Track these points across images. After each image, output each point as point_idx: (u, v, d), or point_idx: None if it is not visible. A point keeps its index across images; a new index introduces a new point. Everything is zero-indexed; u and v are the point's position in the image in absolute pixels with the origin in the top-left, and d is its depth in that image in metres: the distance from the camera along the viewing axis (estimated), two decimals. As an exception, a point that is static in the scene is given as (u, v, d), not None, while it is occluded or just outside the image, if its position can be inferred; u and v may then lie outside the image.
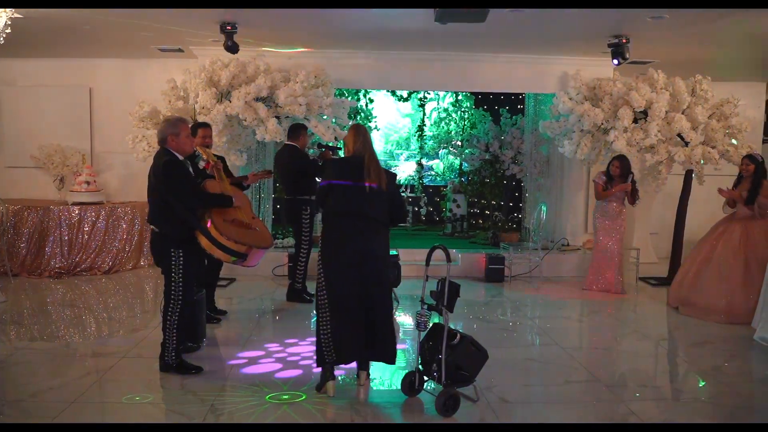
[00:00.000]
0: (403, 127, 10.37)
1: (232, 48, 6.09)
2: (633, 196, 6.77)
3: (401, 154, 10.45)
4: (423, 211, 10.12)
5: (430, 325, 3.88)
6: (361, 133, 3.99)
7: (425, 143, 10.26)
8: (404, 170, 10.41)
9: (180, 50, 7.38)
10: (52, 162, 7.70)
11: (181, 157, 4.22)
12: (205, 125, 5.46)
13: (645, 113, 7.06)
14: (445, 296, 3.69)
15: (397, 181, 4.12)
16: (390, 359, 3.95)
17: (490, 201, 9.62)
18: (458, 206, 9.43)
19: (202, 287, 5.33)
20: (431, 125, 10.28)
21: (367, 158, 3.88)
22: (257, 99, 6.52)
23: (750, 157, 6.09)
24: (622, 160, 6.74)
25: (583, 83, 7.33)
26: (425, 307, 3.81)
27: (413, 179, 10.29)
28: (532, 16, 5.67)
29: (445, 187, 10.13)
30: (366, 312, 3.86)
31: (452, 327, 3.79)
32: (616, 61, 6.56)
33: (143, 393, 3.99)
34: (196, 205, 4.17)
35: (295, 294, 6.24)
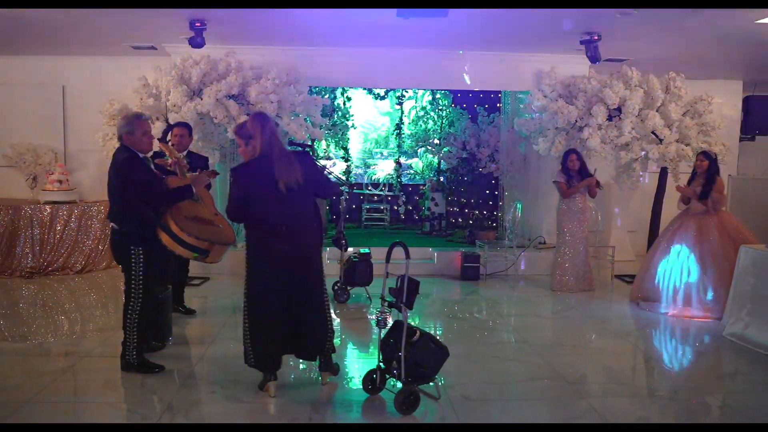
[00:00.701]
0: (382, 125, 10.33)
1: (199, 44, 6.05)
2: (596, 187, 6.75)
3: (380, 152, 10.40)
4: (401, 209, 10.10)
5: (391, 322, 3.85)
6: (268, 126, 3.63)
7: (403, 142, 10.23)
8: (383, 168, 10.38)
9: (153, 48, 7.32)
10: (24, 161, 7.62)
11: (141, 154, 4.18)
12: (180, 125, 5.45)
13: (619, 110, 7.06)
14: (404, 293, 3.67)
15: (314, 157, 3.88)
16: (311, 356, 3.93)
17: (468, 199, 9.61)
18: (436, 205, 9.43)
19: (169, 285, 5.30)
20: (410, 123, 10.25)
21: (275, 156, 3.59)
22: (228, 96, 6.47)
23: (704, 154, 6.16)
24: (578, 153, 6.74)
25: (558, 80, 7.32)
26: (386, 304, 3.78)
27: (392, 178, 10.26)
28: (502, 14, 5.66)
29: (424, 185, 10.11)
30: (295, 315, 3.76)
31: (412, 324, 3.76)
32: (596, 62, 6.56)
33: (103, 392, 3.95)
34: (156, 201, 4.11)
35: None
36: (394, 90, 9.97)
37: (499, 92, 9.10)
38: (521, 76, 7.72)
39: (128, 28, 6.42)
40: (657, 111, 7.06)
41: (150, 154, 4.62)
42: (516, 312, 6.29)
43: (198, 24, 5.85)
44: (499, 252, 7.72)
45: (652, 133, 7.05)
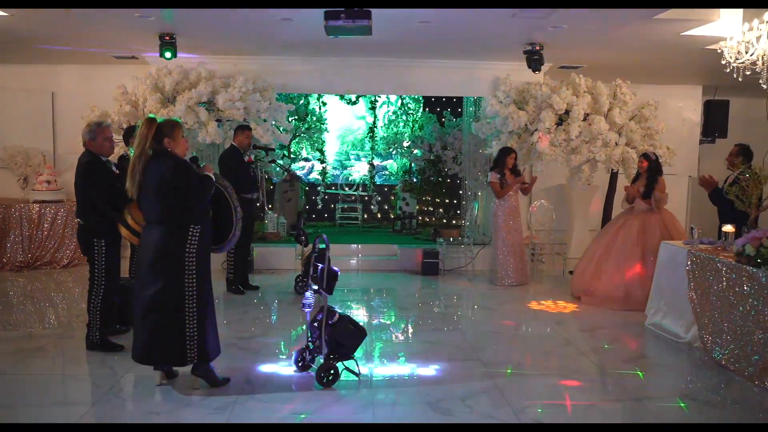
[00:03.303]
0: (358, 129, 10.85)
1: (169, 57, 6.57)
2: (528, 186, 7.27)
3: (356, 154, 10.94)
4: (375, 209, 10.62)
5: (317, 306, 4.35)
6: (141, 126, 3.87)
7: (377, 144, 10.75)
8: (359, 170, 10.91)
9: (134, 57, 7.86)
10: (15, 162, 8.19)
11: (104, 158, 4.73)
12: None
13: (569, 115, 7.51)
14: (324, 281, 4.16)
15: (178, 171, 3.84)
16: (173, 361, 3.98)
17: (434, 199, 10.13)
18: (407, 204, 9.93)
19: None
20: (383, 127, 10.77)
21: (135, 155, 3.85)
22: (199, 104, 7.00)
23: (645, 156, 6.58)
24: (516, 151, 7.22)
25: (513, 87, 7.78)
26: (311, 290, 4.27)
27: (366, 179, 10.79)
28: (446, 26, 6.13)
29: (396, 186, 10.63)
30: (148, 314, 3.87)
31: (334, 308, 4.27)
32: (537, 71, 7.03)
33: (68, 366, 4.53)
34: (115, 200, 4.64)
35: (228, 284, 6.74)
36: (366, 96, 10.46)
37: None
38: (481, 82, 8.20)
39: (107, 39, 6.96)
40: (605, 116, 7.50)
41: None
42: (462, 303, 6.77)
43: (167, 37, 6.37)
44: (459, 249, 8.20)
45: (600, 136, 7.49)
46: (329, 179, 10.72)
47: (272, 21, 5.82)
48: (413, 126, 10.65)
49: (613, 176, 8.09)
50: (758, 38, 5.21)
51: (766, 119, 10.15)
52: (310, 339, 4.35)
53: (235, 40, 6.95)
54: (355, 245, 8.40)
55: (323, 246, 6.18)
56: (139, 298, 3.91)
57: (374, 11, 4.92)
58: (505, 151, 7.22)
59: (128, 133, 5.79)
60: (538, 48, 6.76)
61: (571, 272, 8.01)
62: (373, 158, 10.73)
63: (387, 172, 10.95)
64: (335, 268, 4.23)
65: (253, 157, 6.98)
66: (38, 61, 8.38)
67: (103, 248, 4.71)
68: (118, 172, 4.90)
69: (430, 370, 4.54)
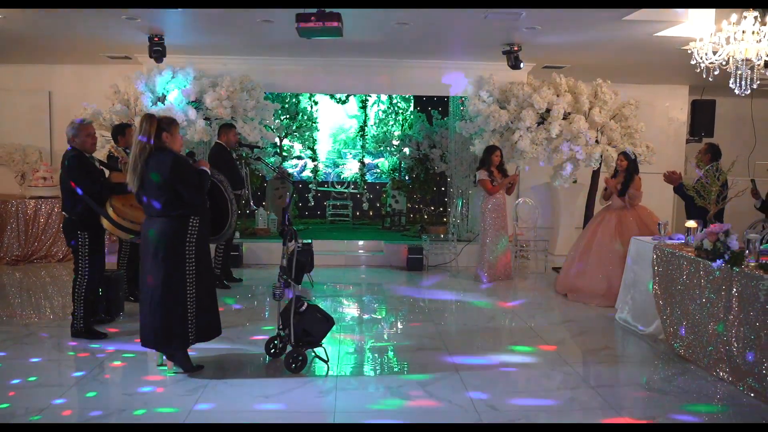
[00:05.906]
0: (350, 127, 11.06)
1: (159, 56, 6.80)
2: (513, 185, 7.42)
3: (348, 152, 11.14)
4: (366, 206, 10.82)
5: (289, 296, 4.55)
6: (142, 122, 4.03)
7: (367, 143, 10.95)
8: (351, 168, 11.11)
9: (127, 58, 8.10)
10: (12, 159, 8.46)
11: (87, 154, 4.95)
12: (130, 126, 6.21)
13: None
14: (293, 271, 4.36)
15: (177, 167, 4.02)
16: (147, 343, 4.19)
17: (423, 197, 10.31)
18: (397, 202, 10.12)
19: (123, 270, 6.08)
20: (375, 125, 10.97)
21: (137, 150, 4.00)
22: (188, 102, 7.22)
23: (624, 154, 6.73)
24: (500, 148, 7.38)
25: (496, 86, 7.94)
26: (281, 280, 4.47)
27: (357, 177, 11.00)
28: (424, 27, 6.31)
29: (387, 183, 10.83)
30: (152, 302, 4.11)
31: (303, 297, 4.47)
32: (517, 69, 7.21)
33: (52, 352, 4.75)
34: (97, 193, 4.86)
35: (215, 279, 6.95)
36: (356, 95, 10.66)
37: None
38: (465, 82, 8.36)
39: (100, 41, 7.20)
40: (586, 115, 7.66)
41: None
42: (442, 298, 6.92)
43: (156, 39, 6.59)
44: (443, 245, 8.37)
45: (580, 134, 7.65)
46: (321, 177, 10.93)
47: (254, 23, 6.03)
48: (403, 124, 10.84)
49: (595, 174, 8.23)
50: (727, 39, 5.38)
51: (752, 118, 10.30)
52: (280, 327, 4.54)
53: (222, 41, 7.17)
54: (345, 241, 8.62)
55: (309, 241, 6.38)
56: (144, 287, 4.13)
57: (350, 12, 5.13)
58: (490, 149, 7.36)
59: (117, 131, 6.01)
60: (516, 49, 6.93)
61: (554, 269, 8.18)
62: (363, 156, 10.93)
63: (378, 170, 11.15)
64: (301, 259, 4.42)
65: (242, 154, 7.20)
66: (35, 61, 8.63)
67: (87, 240, 4.93)
68: (102, 168, 5.14)
69: (396, 358, 4.73)
